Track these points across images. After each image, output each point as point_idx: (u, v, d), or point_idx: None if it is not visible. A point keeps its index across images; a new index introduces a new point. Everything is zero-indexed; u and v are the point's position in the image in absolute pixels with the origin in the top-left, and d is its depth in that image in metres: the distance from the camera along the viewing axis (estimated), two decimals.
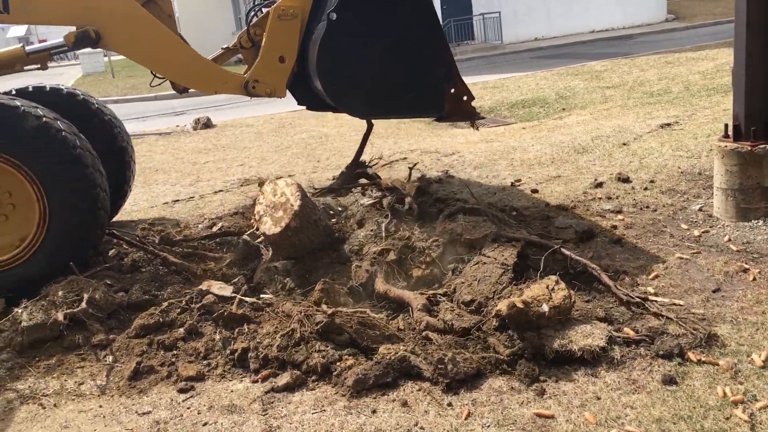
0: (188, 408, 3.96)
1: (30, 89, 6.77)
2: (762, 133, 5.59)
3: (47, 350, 4.67)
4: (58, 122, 5.49)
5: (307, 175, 9.25)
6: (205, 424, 3.78)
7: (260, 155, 11.30)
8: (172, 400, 4.06)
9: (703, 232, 5.59)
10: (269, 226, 5.35)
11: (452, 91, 5.84)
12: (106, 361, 4.53)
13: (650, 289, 4.68)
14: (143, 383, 4.26)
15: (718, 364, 3.76)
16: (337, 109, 6.29)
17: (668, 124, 9.55)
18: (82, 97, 7.12)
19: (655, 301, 4.47)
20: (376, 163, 8.07)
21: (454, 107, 5.92)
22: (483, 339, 4.25)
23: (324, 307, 4.68)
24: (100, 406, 4.07)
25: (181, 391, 4.14)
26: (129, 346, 4.61)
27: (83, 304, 4.76)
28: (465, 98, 5.90)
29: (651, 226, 5.84)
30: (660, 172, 7.26)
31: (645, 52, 20.83)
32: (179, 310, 4.93)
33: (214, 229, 6.93)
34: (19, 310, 4.76)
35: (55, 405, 4.14)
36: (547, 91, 15.05)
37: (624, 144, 8.78)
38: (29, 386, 4.34)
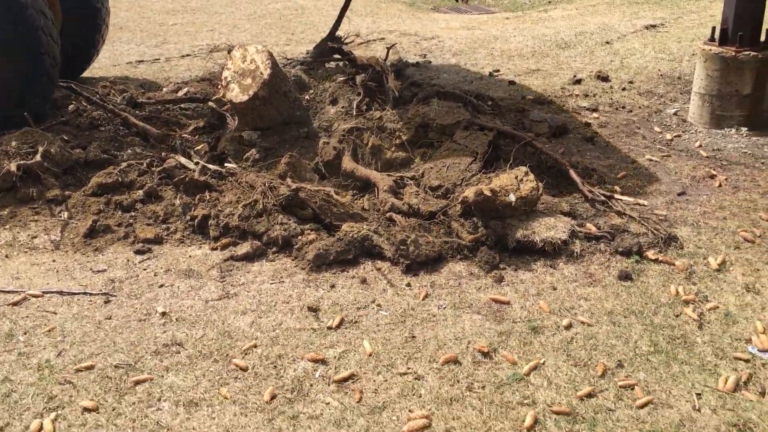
0: (144, 269, 3.92)
1: None
2: (748, 40, 5.48)
3: None
4: None
5: (279, 47, 8.90)
6: (161, 286, 3.74)
7: (232, 22, 10.81)
8: (128, 260, 4.01)
9: (675, 136, 5.57)
10: (236, 94, 5.15)
11: None
12: (60, 216, 4.42)
13: (617, 188, 4.68)
14: (99, 242, 4.18)
15: (674, 265, 3.82)
16: None
17: (653, 26, 9.33)
18: None
19: (620, 199, 4.48)
20: (352, 41, 7.77)
21: None
22: (447, 224, 4.23)
23: (289, 180, 4.58)
24: (54, 261, 4.00)
25: (138, 252, 4.08)
26: (85, 204, 4.49)
27: (38, 157, 4.59)
28: None
29: (625, 127, 5.79)
30: (640, 74, 7.15)
31: None
32: (138, 172, 4.80)
33: (180, 93, 6.67)
34: None
35: (6, 256, 4.06)
36: None
37: (607, 42, 8.59)
38: None
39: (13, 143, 4.70)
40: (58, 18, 6.90)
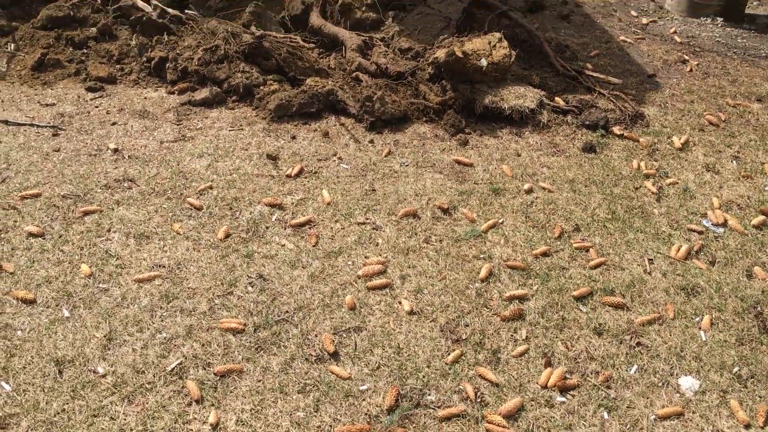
0: (97, 107, 3.73)
1: None
2: None
3: None
4: None
5: None
6: (113, 124, 3.58)
7: None
8: (79, 97, 3.81)
9: (651, 21, 5.45)
10: None
11: None
12: (7, 48, 4.15)
13: (588, 65, 4.59)
14: (48, 76, 3.96)
15: (638, 141, 3.80)
16: None
17: None
18: None
19: (591, 76, 4.40)
20: None
21: None
22: (414, 86, 4.11)
23: (253, 29, 4.37)
24: None
25: (90, 89, 3.88)
26: (34, 37, 4.22)
27: None
28: None
29: (601, 8, 5.64)
30: None
31: None
32: (93, 9, 4.49)
33: None
34: None
35: None
36: None
37: None
38: None
39: None
40: None
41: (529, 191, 3.33)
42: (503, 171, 3.48)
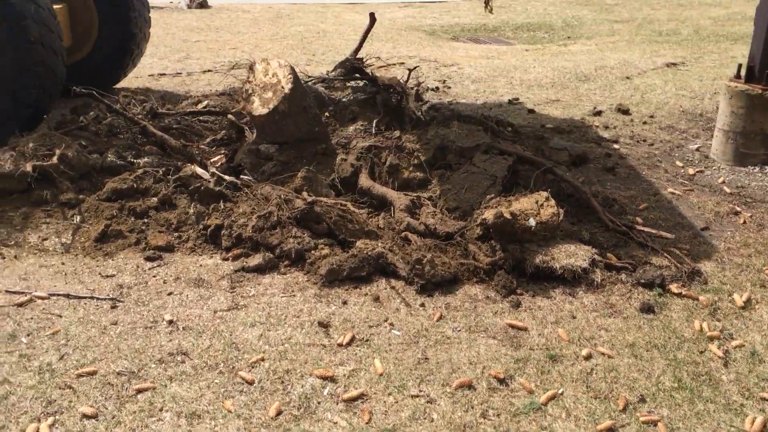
0: (154, 276, 3.84)
1: None
2: None
3: (12, 202, 4.48)
4: None
5: (300, 66, 8.89)
6: (169, 294, 3.66)
7: (254, 42, 10.87)
8: (138, 266, 3.93)
9: (698, 172, 5.47)
10: (257, 107, 5.10)
11: None
12: (73, 220, 4.36)
13: (638, 219, 4.58)
14: (110, 247, 4.11)
15: (698, 300, 3.70)
16: None
17: (674, 64, 9.30)
18: None
19: (642, 231, 4.38)
20: (373, 63, 7.76)
21: None
22: (464, 246, 4.14)
23: (304, 194, 4.52)
24: (63, 264, 3.93)
25: (149, 259, 4.00)
26: (98, 209, 4.43)
27: (54, 159, 4.54)
28: None
29: (646, 160, 5.71)
30: (661, 109, 7.08)
31: None
32: (154, 179, 4.74)
33: (200, 106, 6.65)
34: None
35: (15, 257, 3.99)
36: (554, 18, 14.59)
37: (627, 77, 8.55)
38: None
39: (31, 145, 4.66)
40: (93, 28, 6.96)
41: (588, 357, 3.23)
42: (559, 335, 3.40)
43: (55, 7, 6.53)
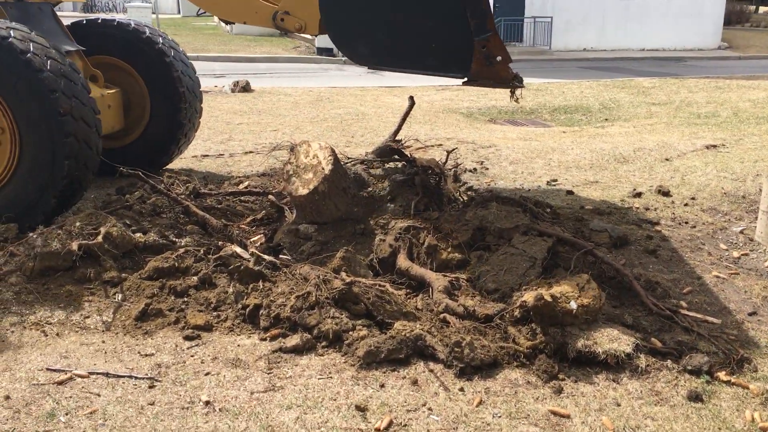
0: (192, 356, 3.84)
1: (84, 21, 6.91)
2: None
3: (57, 280, 4.58)
4: (29, 43, 5.20)
5: (340, 148, 9.08)
6: (207, 374, 3.65)
7: (295, 124, 11.17)
8: (176, 345, 3.95)
9: (742, 255, 5.36)
10: (297, 187, 5.21)
11: (483, 48, 4.64)
12: (115, 298, 4.43)
13: (683, 303, 4.47)
14: (150, 325, 4.15)
15: (748, 388, 3.56)
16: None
17: (714, 146, 9.26)
18: (139, 30, 7.13)
19: (687, 315, 4.26)
20: (411, 145, 7.90)
21: (483, 69, 4.80)
22: (503, 329, 4.08)
23: (343, 274, 4.53)
24: (103, 342, 3.97)
25: (187, 338, 4.02)
26: (140, 287, 4.50)
27: (99, 238, 4.66)
28: (498, 59, 4.73)
29: (688, 242, 5.62)
30: (702, 191, 7.01)
31: (695, 75, 20.37)
32: (195, 258, 4.81)
33: (241, 186, 6.81)
34: (34, 236, 4.67)
35: (57, 334, 4.05)
36: (590, 100, 14.75)
37: (667, 159, 8.52)
38: (34, 312, 4.25)
39: (77, 223, 4.80)
40: (145, 114, 7.26)
41: None
42: (603, 424, 3.28)
43: (109, 91, 6.86)
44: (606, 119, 12.65)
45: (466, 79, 5.08)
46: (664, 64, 25.54)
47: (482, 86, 5.32)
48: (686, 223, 6.10)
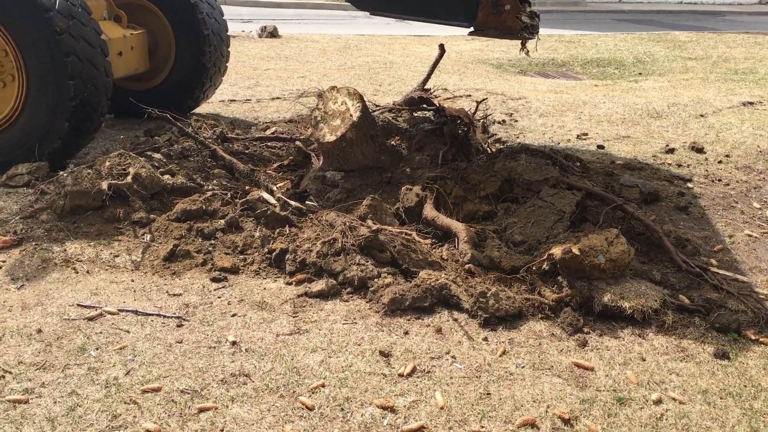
0: (219, 297, 3.88)
1: None
2: None
3: (87, 219, 4.63)
4: None
5: (367, 97, 8.96)
6: (233, 315, 3.69)
7: (322, 71, 11.06)
8: (203, 287, 3.99)
9: None
10: (324, 134, 5.17)
11: None
12: (143, 238, 4.47)
13: (713, 261, 4.41)
14: (177, 266, 4.19)
15: None
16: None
17: (751, 103, 9.02)
18: None
19: (717, 273, 4.21)
20: (440, 95, 7.79)
21: (491, 18, 4.64)
22: (529, 281, 4.06)
23: (369, 222, 4.52)
24: (132, 281, 4.02)
25: (214, 280, 4.06)
26: (168, 228, 4.53)
27: (129, 179, 4.69)
28: (507, 7, 4.58)
29: (721, 200, 5.52)
30: (737, 148, 6.85)
31: (734, 30, 19.76)
32: (222, 202, 4.83)
33: (268, 132, 6.79)
34: (65, 174, 4.70)
35: (88, 272, 4.11)
36: (624, 54, 14.39)
37: (701, 115, 8.33)
38: (65, 250, 4.31)
39: (107, 163, 4.82)
40: (171, 57, 7.21)
41: (658, 402, 3.10)
42: (628, 377, 3.27)
43: (132, 32, 6.81)
44: (640, 73, 12.36)
45: (471, 28, 4.90)
46: (701, 18, 24.79)
47: (489, 36, 5.10)
48: (719, 180, 5.98)
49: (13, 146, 5.40)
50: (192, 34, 7.13)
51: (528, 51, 5.27)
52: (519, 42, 5.17)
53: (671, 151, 6.75)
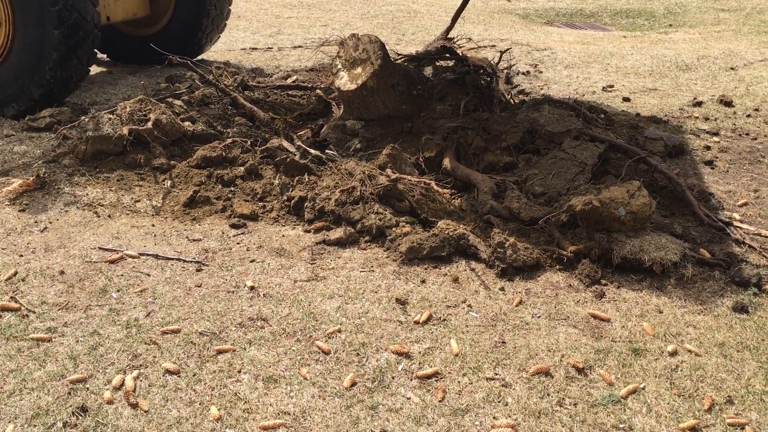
0: (238, 243, 3.92)
1: None
2: None
3: (108, 164, 4.67)
4: None
5: (390, 46, 8.85)
6: (252, 261, 3.73)
7: (345, 20, 10.91)
8: (223, 233, 4.02)
9: None
10: (345, 82, 5.12)
11: None
12: (164, 184, 4.50)
13: (736, 216, 4.35)
14: (197, 212, 4.23)
15: None
16: None
17: None
18: None
19: (739, 227, 4.15)
20: (464, 45, 7.65)
21: None
22: (548, 232, 4.04)
23: (388, 171, 4.51)
24: (153, 225, 4.07)
25: (234, 226, 4.09)
26: (188, 175, 4.56)
27: (149, 124, 4.70)
28: None
29: (748, 154, 5.41)
30: (767, 102, 6.68)
31: None
32: (242, 149, 4.83)
33: (289, 80, 6.73)
34: (86, 119, 4.73)
35: (109, 216, 4.15)
36: (655, 4, 14.00)
37: (732, 68, 8.11)
38: (87, 194, 4.36)
39: (128, 109, 4.83)
40: (171, 1, 7.19)
41: (674, 353, 3.09)
42: (644, 329, 3.27)
43: None
44: (670, 25, 12.03)
45: None
46: None
47: None
48: (747, 134, 5.85)
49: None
50: None
51: None
52: None
53: (699, 104, 6.60)
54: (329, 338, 3.12)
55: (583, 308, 3.43)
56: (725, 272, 3.73)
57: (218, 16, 7.47)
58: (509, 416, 2.69)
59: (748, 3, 14.14)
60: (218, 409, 2.65)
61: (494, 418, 2.68)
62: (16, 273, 3.50)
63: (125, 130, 4.58)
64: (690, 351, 3.11)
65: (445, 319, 3.31)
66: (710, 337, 3.22)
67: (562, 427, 2.64)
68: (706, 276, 3.71)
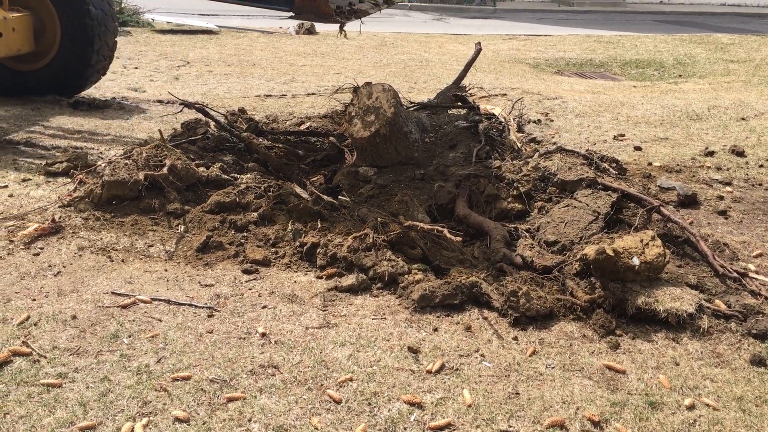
0: (250, 289, 3.91)
1: None
2: None
3: (123, 208, 4.70)
4: None
5: (402, 93, 8.97)
6: (264, 307, 3.72)
7: (358, 68, 11.08)
8: (235, 278, 4.02)
9: None
10: (358, 129, 5.18)
11: None
12: (177, 229, 4.53)
13: (751, 266, 4.31)
14: (210, 257, 4.23)
15: None
16: None
17: None
18: None
19: (755, 278, 4.11)
20: (475, 93, 7.75)
21: (306, 2, 5.67)
22: (561, 281, 4.02)
23: (401, 218, 4.52)
24: (166, 270, 4.07)
25: (246, 272, 4.09)
26: (202, 220, 4.58)
27: (165, 170, 4.74)
28: None
29: (761, 204, 5.39)
30: None
31: None
32: (255, 195, 4.86)
33: (302, 127, 6.81)
34: (103, 165, 4.78)
35: (122, 260, 4.17)
36: (664, 55, 14.16)
37: (743, 119, 8.15)
38: (101, 238, 4.38)
39: (144, 155, 4.89)
40: (56, 37, 7.48)
41: (691, 407, 3.04)
42: (660, 381, 3.22)
43: (14, 15, 7.10)
44: (680, 75, 12.15)
45: (292, 13, 5.71)
46: (745, 20, 24.27)
47: (308, 20, 6.19)
48: (760, 185, 5.85)
49: None
50: (76, 20, 7.40)
51: (346, 34, 6.15)
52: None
53: (710, 154, 6.62)
54: (341, 387, 3.09)
55: (597, 359, 3.38)
56: (742, 324, 3.68)
57: (99, 60, 7.76)
58: None
59: (758, 54, 14.29)
60: None
61: None
62: (28, 317, 3.50)
63: (141, 176, 4.63)
64: (708, 405, 3.06)
65: (457, 369, 3.27)
66: (728, 391, 3.16)
67: None
68: (722, 328, 3.66)
